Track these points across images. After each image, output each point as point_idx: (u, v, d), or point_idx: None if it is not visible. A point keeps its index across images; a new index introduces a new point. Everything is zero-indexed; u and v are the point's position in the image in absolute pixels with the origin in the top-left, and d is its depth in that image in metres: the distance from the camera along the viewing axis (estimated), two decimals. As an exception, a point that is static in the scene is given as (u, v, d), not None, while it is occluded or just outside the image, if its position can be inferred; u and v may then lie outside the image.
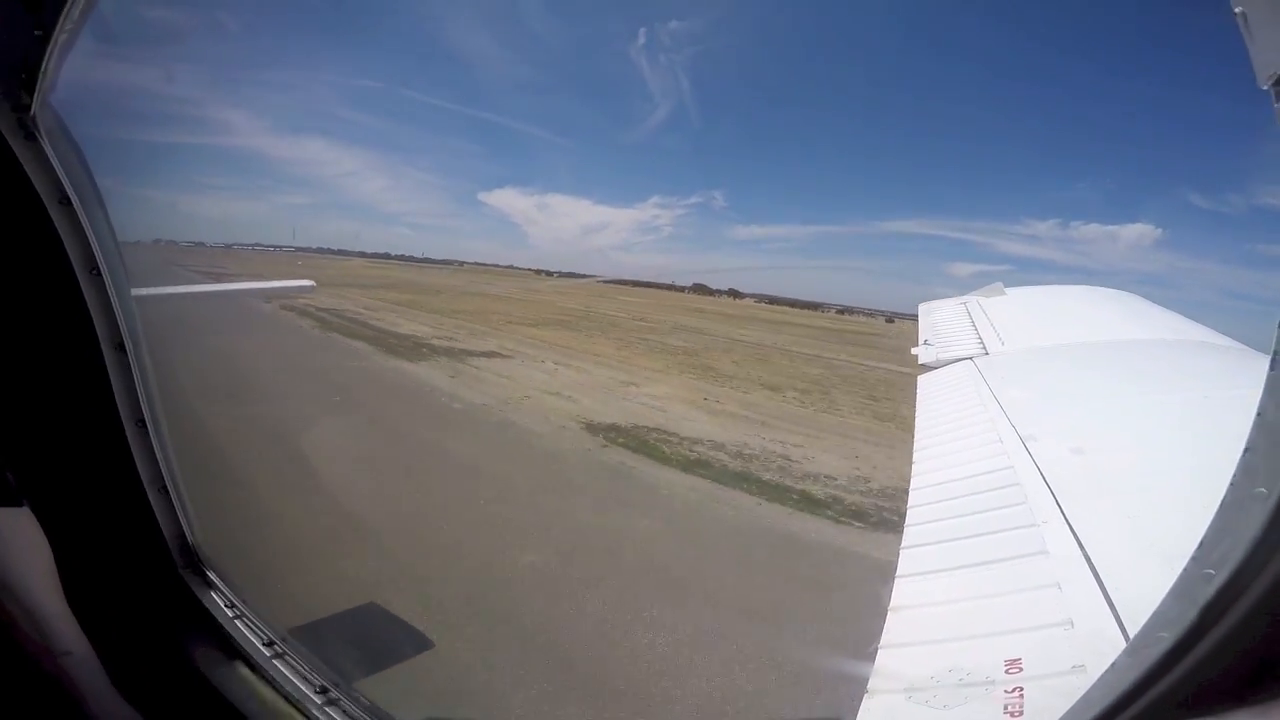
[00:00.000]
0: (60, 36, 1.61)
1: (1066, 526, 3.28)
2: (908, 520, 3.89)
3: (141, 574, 2.27)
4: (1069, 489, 3.69)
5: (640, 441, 18.46)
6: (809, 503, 14.64)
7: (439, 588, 8.87)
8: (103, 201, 2.09)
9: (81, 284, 1.99)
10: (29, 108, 1.81)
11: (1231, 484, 1.08)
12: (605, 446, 17.66)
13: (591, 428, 19.25)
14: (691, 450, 18.05)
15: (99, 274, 2.01)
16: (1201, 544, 1.12)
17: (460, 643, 7.56)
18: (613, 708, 7.06)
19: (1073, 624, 2.51)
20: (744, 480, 15.97)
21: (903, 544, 3.63)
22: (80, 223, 1.98)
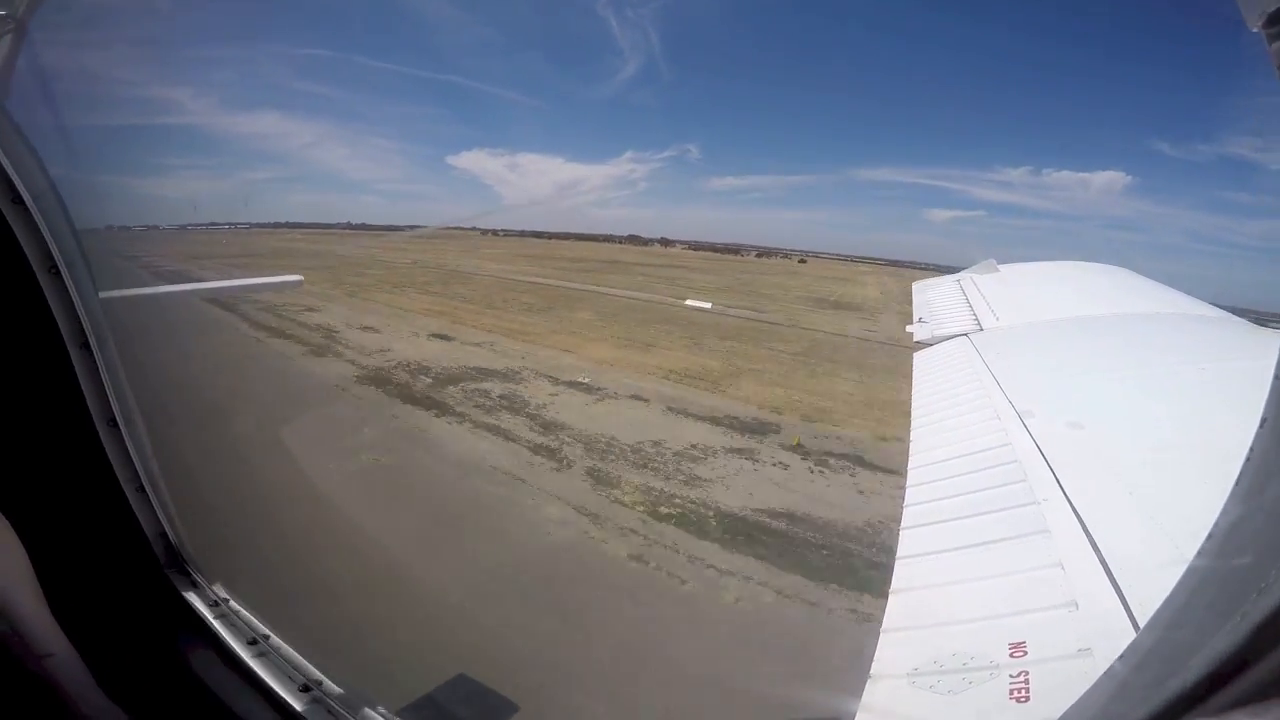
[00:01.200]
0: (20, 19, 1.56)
1: (1067, 504, 3.24)
2: (906, 500, 3.84)
3: (125, 574, 2.26)
4: (1068, 465, 3.65)
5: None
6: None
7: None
8: (61, 198, 2.03)
9: (41, 283, 1.93)
10: None
11: (1248, 460, 1.01)
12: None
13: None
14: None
15: (58, 273, 1.96)
16: (1217, 525, 1.06)
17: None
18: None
19: (1077, 605, 2.48)
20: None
21: (902, 524, 3.58)
22: (35, 221, 1.91)
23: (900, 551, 3.34)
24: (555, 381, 21.64)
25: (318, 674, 2.06)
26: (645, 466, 15.43)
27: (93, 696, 1.88)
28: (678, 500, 13.58)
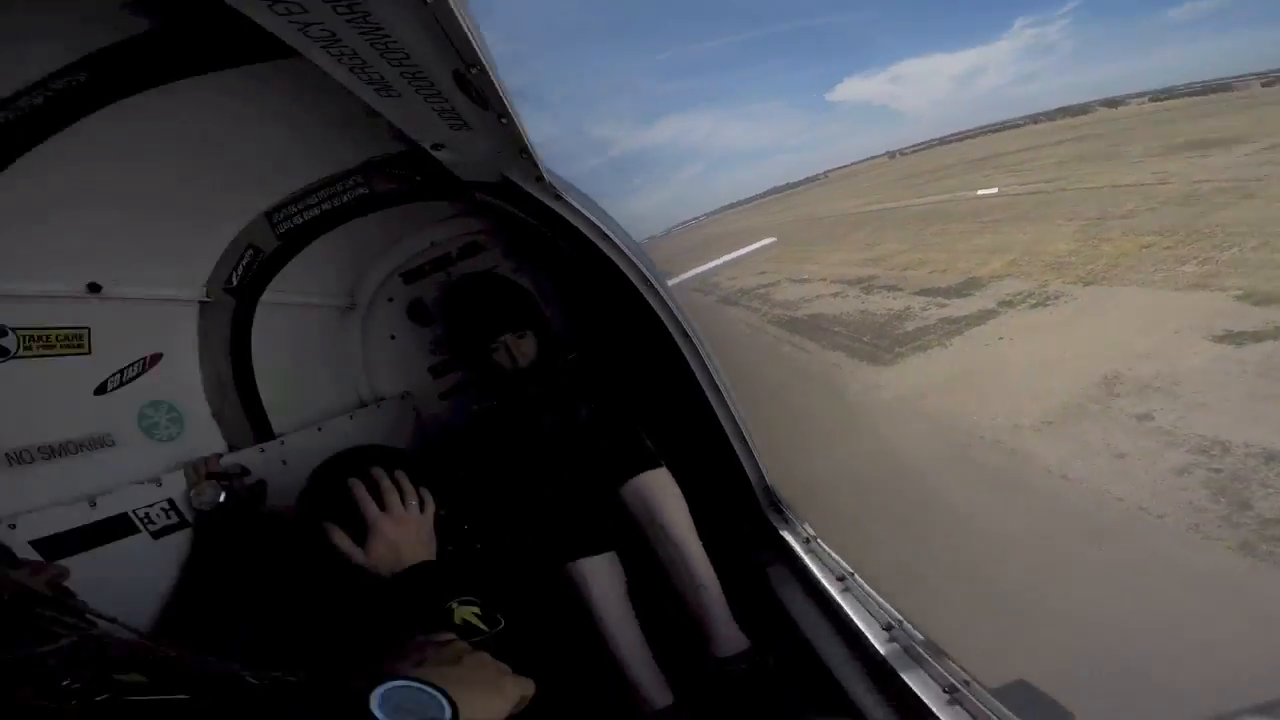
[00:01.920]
0: (512, 109, 1.74)
1: None
2: None
3: (735, 513, 2.80)
4: None
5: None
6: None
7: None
8: (624, 232, 2.55)
9: (647, 296, 2.54)
10: (541, 178, 2.17)
11: None
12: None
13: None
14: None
15: (653, 286, 2.53)
16: None
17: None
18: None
19: None
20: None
21: None
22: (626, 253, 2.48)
23: None
24: (779, 278, 34.18)
25: (898, 615, 2.08)
26: (784, 308, 27.64)
27: (727, 626, 2.27)
28: (778, 312, 23.52)
